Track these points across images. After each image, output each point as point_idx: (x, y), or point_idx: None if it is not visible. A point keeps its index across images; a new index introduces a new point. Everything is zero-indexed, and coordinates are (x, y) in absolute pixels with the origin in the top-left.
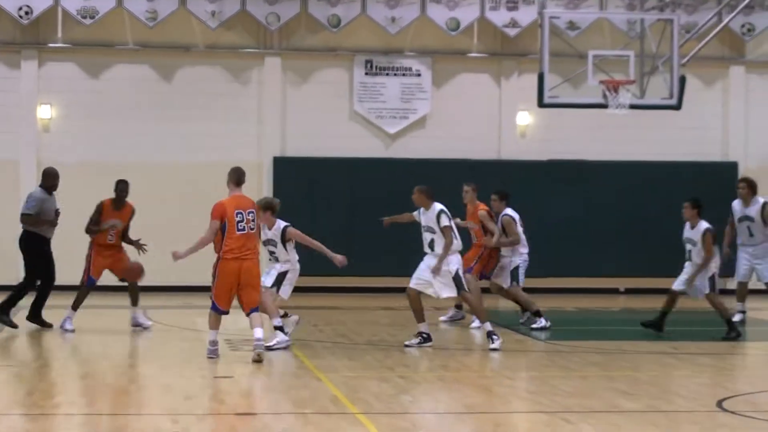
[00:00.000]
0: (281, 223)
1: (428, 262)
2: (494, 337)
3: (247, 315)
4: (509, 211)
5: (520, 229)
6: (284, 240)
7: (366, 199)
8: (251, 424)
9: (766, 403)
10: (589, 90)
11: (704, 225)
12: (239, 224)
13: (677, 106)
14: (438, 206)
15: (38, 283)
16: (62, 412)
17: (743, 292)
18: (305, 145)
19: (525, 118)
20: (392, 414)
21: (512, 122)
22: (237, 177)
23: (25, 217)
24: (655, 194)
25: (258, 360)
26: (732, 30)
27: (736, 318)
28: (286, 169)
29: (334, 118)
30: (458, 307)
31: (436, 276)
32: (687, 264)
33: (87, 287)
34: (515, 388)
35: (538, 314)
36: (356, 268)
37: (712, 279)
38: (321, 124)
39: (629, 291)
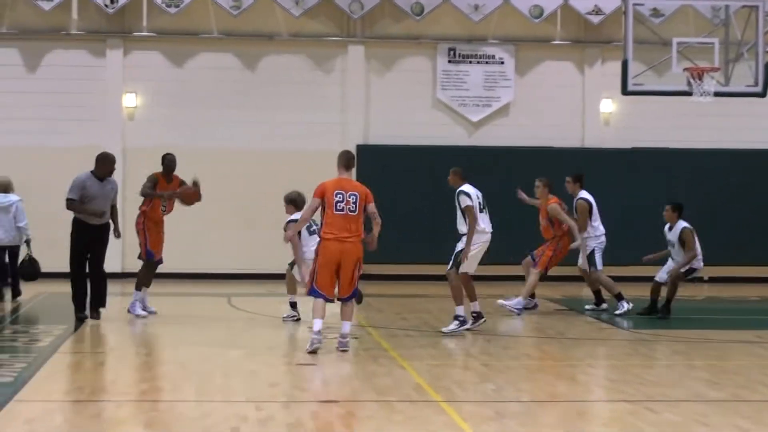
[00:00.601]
0: None
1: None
2: (458, 323)
3: (340, 300)
4: (584, 194)
5: (595, 213)
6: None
7: (450, 188)
8: (335, 411)
9: None
10: (673, 77)
11: (681, 224)
12: (338, 204)
13: (762, 94)
14: (461, 187)
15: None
16: (148, 398)
17: None
18: (388, 133)
19: (608, 105)
20: (475, 402)
21: (596, 110)
22: (345, 160)
23: (67, 203)
24: (740, 182)
25: (343, 350)
26: None
27: None
28: (369, 157)
29: (417, 106)
30: (531, 295)
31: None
32: (670, 261)
33: (148, 261)
34: (598, 377)
35: (619, 297)
36: (443, 257)
37: (687, 273)
38: (404, 112)
39: (713, 280)
